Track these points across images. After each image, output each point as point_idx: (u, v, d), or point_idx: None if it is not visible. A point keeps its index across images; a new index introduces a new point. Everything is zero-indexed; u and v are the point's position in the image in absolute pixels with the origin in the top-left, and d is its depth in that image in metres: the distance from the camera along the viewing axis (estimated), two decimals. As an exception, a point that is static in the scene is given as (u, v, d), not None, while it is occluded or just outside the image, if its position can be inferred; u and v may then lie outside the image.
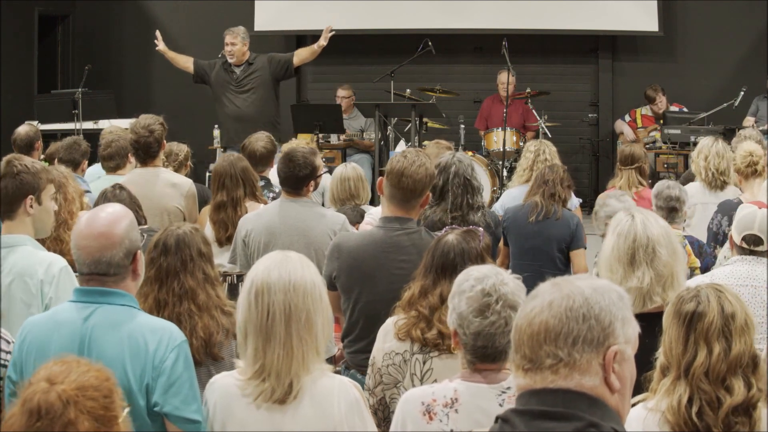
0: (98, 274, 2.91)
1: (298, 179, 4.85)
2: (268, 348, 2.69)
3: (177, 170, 6.77)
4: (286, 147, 6.87)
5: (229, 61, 8.84)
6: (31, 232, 3.82)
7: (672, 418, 2.64)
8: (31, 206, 3.78)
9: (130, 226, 2.97)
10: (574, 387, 1.88)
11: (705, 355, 2.66)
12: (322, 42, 8.76)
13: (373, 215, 5.47)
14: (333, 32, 8.76)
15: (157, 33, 9.09)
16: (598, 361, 1.89)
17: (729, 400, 2.62)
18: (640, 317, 3.18)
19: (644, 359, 3.10)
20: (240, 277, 5.14)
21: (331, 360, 4.81)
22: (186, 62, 9.10)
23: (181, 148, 6.91)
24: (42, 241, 3.97)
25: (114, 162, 6.41)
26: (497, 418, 1.95)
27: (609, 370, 1.89)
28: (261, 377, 2.71)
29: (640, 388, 2.82)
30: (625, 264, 3.27)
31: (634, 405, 2.75)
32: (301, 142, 6.98)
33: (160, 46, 9.04)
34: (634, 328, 1.94)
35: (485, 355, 2.82)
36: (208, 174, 11.05)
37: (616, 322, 1.90)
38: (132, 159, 6.25)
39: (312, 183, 4.92)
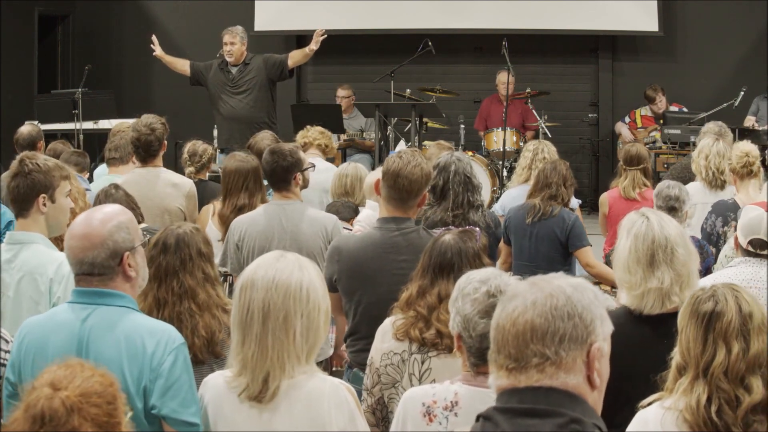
0: (83, 274, 2.90)
1: (284, 169, 4.81)
2: (245, 343, 2.69)
3: (199, 171, 6.72)
4: (300, 137, 6.87)
5: (228, 60, 8.83)
6: (45, 231, 3.82)
7: (690, 418, 2.64)
8: (44, 204, 3.79)
9: (118, 227, 2.92)
10: (559, 385, 1.90)
11: (724, 354, 2.66)
12: (313, 46, 8.73)
13: (361, 222, 5.45)
14: (325, 35, 8.73)
15: (153, 38, 9.05)
16: (582, 358, 1.92)
17: (748, 399, 2.63)
18: (659, 318, 3.21)
19: (663, 359, 3.12)
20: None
21: (327, 362, 4.80)
22: (183, 65, 9.07)
23: (206, 150, 6.83)
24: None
25: (118, 153, 6.42)
26: (478, 417, 1.96)
27: (593, 367, 1.93)
28: (242, 373, 2.72)
29: (655, 387, 2.84)
30: (645, 265, 3.26)
31: (649, 404, 2.77)
32: (315, 132, 6.90)
33: (158, 51, 9.00)
34: (609, 326, 1.99)
35: (485, 357, 2.81)
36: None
37: (596, 320, 1.94)
38: (134, 160, 6.25)
39: (299, 176, 4.88)
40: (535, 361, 1.90)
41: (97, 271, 2.88)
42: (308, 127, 7.10)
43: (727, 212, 5.73)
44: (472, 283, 2.87)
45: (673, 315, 3.24)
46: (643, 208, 3.44)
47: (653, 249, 3.26)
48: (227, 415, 2.76)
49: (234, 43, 8.77)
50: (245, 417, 2.73)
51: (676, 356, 2.77)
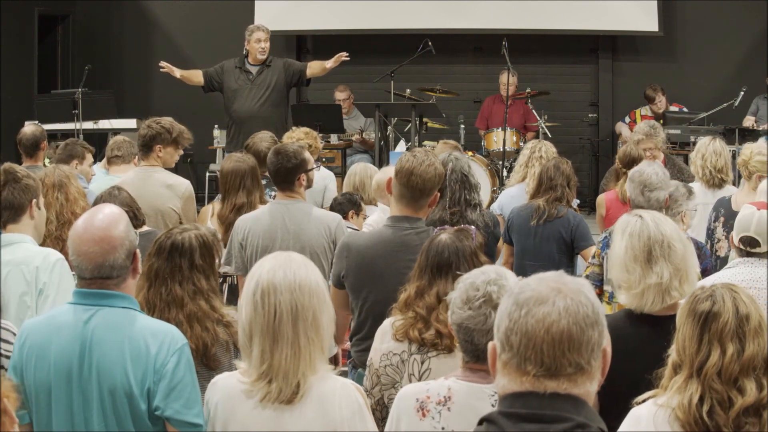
0: (101, 278, 2.89)
1: (288, 171, 4.81)
2: (275, 349, 2.67)
3: None
4: (286, 137, 6.85)
5: (260, 58, 8.72)
6: (35, 237, 3.90)
7: (682, 416, 2.64)
8: (39, 208, 3.88)
9: (128, 225, 2.97)
10: (582, 394, 1.89)
11: (718, 355, 2.66)
12: (331, 65, 8.74)
13: (370, 225, 5.45)
14: (347, 58, 8.73)
15: (162, 63, 8.72)
16: (600, 364, 1.92)
17: (740, 401, 2.62)
18: (660, 318, 3.21)
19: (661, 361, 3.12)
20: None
21: (333, 360, 4.80)
22: (198, 77, 8.78)
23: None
24: (44, 241, 4.02)
25: (120, 151, 6.43)
26: (481, 420, 1.94)
27: (605, 371, 1.93)
28: (267, 378, 2.69)
29: (650, 385, 2.84)
30: (642, 262, 3.28)
31: (644, 401, 2.77)
32: (300, 133, 6.85)
33: (176, 73, 8.65)
34: None
35: (468, 351, 2.84)
36: (208, 174, 11.07)
37: (605, 322, 1.94)
38: (136, 162, 6.26)
39: (303, 177, 4.87)
40: (569, 371, 1.87)
41: (116, 273, 2.89)
42: (294, 128, 7.09)
43: (719, 208, 5.77)
44: (470, 276, 2.89)
45: (673, 316, 3.26)
46: (635, 210, 3.46)
47: (650, 245, 3.28)
48: (239, 417, 2.75)
49: (268, 41, 8.71)
50: (258, 420, 2.72)
51: (672, 354, 2.78)
